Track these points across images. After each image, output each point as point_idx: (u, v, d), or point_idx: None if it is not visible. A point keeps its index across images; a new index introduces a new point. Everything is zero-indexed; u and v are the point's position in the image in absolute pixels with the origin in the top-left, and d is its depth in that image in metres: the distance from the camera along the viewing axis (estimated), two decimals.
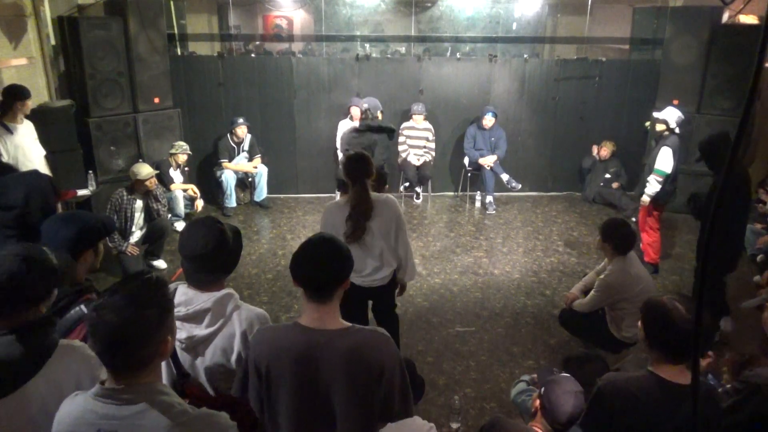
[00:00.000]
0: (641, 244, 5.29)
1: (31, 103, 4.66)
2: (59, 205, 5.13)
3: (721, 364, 2.71)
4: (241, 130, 6.64)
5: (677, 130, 5.08)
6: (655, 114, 5.20)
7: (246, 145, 6.79)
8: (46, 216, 2.39)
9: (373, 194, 3.12)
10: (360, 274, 3.18)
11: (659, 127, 5.14)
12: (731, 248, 4.12)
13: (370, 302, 3.45)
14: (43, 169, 4.61)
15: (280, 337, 1.78)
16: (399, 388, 1.80)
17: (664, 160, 4.96)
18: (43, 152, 4.86)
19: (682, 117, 5.14)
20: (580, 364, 2.83)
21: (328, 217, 3.17)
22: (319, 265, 1.77)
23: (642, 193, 5.18)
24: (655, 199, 5.11)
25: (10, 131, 4.49)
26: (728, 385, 2.34)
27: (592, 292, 3.71)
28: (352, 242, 3.02)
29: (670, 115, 5.08)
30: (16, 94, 4.49)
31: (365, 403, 1.74)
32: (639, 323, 1.96)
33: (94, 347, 1.37)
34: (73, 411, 1.40)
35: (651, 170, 5.06)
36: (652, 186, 5.04)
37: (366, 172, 3.07)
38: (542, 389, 2.34)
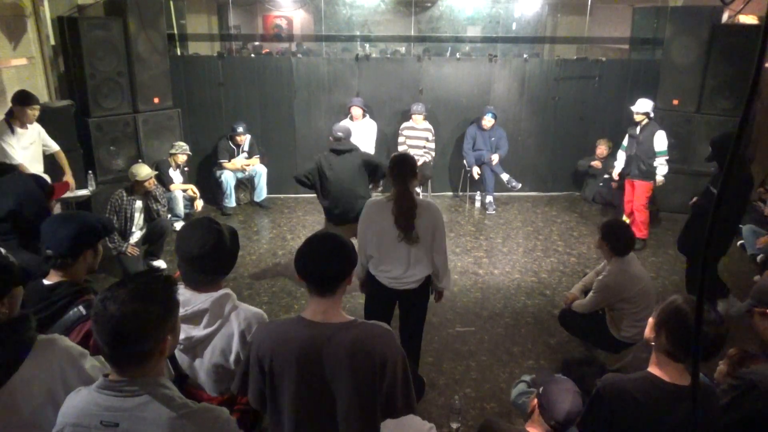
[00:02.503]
0: (633, 225, 5.65)
1: (37, 111, 4.63)
2: (58, 205, 5.15)
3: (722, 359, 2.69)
4: (241, 138, 6.67)
5: (652, 115, 5.70)
6: (633, 108, 5.70)
7: (246, 146, 6.79)
8: (42, 218, 2.35)
9: (416, 198, 3.13)
10: (388, 274, 3.18)
11: (638, 117, 5.65)
12: (723, 237, 4.31)
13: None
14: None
15: (284, 330, 1.79)
16: (401, 383, 1.81)
17: (663, 140, 5.59)
18: (49, 153, 4.92)
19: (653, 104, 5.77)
20: (578, 368, 2.83)
21: (370, 214, 3.16)
22: (324, 260, 1.79)
23: (655, 176, 5.71)
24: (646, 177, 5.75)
25: (16, 136, 4.52)
26: (723, 385, 2.34)
27: (590, 294, 3.70)
28: (406, 242, 3.07)
29: (645, 106, 5.62)
30: (22, 99, 4.52)
31: (368, 396, 1.75)
32: (649, 323, 1.94)
33: (98, 338, 1.39)
34: (78, 403, 1.42)
35: (643, 156, 5.63)
36: (664, 167, 5.65)
37: (411, 173, 3.08)
38: (540, 389, 2.34)
